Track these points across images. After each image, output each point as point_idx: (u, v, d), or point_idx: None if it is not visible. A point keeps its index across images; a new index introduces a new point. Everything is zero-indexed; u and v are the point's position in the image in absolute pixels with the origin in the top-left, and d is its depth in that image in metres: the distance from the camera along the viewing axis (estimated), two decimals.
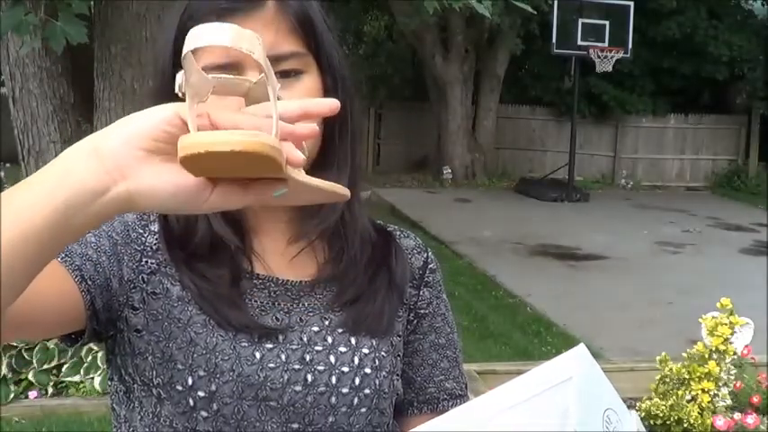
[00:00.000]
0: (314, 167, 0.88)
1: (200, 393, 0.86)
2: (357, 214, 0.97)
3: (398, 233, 1.04)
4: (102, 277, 0.87)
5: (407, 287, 1.00)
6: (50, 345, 4.23)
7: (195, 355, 0.87)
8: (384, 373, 0.93)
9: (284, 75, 0.86)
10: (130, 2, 4.39)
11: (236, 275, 0.91)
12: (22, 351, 4.19)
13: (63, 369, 4.16)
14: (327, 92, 0.90)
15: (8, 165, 9.41)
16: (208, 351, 0.87)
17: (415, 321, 1.01)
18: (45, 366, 4.14)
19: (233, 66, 0.83)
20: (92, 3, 4.37)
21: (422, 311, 1.02)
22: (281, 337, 0.90)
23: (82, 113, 5.16)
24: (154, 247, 0.91)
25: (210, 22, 0.80)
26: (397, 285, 0.98)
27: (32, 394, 4.10)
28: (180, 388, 0.86)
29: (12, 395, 4.09)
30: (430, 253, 1.06)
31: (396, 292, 0.97)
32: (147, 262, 0.91)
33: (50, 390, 4.12)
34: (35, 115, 5.15)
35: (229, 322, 0.88)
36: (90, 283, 0.86)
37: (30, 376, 4.14)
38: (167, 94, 0.85)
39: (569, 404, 0.73)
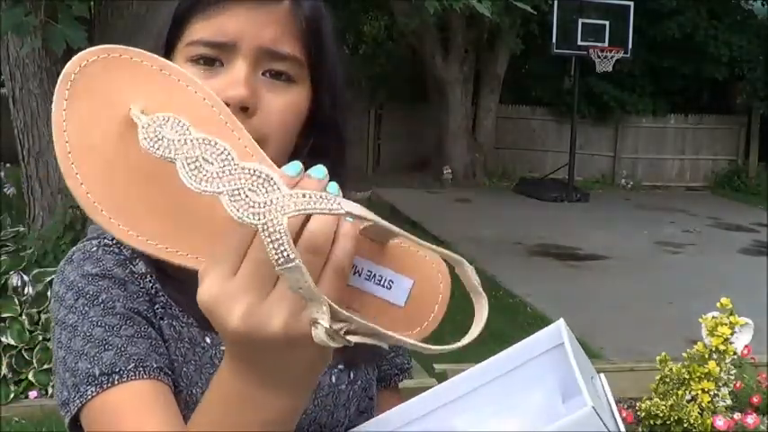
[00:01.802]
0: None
1: None
2: None
3: None
4: (168, 360, 0.83)
5: None
6: (50, 345, 4.22)
7: (207, 375, 0.84)
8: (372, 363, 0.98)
9: (275, 75, 0.83)
10: (130, 2, 4.40)
11: None
12: (22, 351, 4.19)
13: None
14: (319, 108, 0.88)
15: (8, 165, 9.40)
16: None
17: None
18: (45, 366, 4.14)
19: (223, 46, 0.81)
20: (92, 3, 4.37)
21: None
22: None
23: None
24: (152, 291, 0.85)
25: (221, 0, 0.80)
26: None
27: (32, 394, 4.10)
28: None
29: (12, 395, 4.09)
30: None
31: None
32: (156, 309, 0.85)
33: (50, 390, 4.12)
34: (35, 115, 5.15)
35: None
36: (168, 371, 0.82)
37: (30, 376, 4.14)
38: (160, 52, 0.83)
39: (559, 368, 0.75)
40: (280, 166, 0.63)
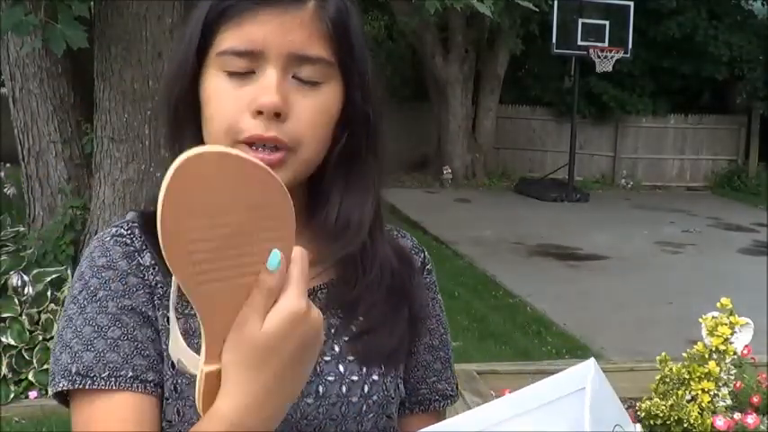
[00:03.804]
0: (338, 185, 0.89)
1: None
2: (378, 240, 0.93)
3: (395, 233, 1.02)
4: (155, 358, 0.86)
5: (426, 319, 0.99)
6: (50, 345, 4.23)
7: None
8: (390, 377, 0.93)
9: (303, 81, 0.84)
10: (130, 2, 4.39)
11: None
12: (22, 351, 4.19)
13: None
14: (352, 105, 0.88)
15: (8, 165, 9.40)
16: None
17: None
18: (45, 366, 4.14)
19: (252, 54, 0.82)
20: (92, 3, 4.37)
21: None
22: None
23: (82, 113, 5.16)
24: (153, 283, 0.88)
25: (245, 7, 0.82)
26: (416, 315, 0.96)
27: (32, 394, 4.10)
28: (193, 420, 0.82)
29: (12, 395, 4.09)
30: (426, 253, 1.04)
31: (415, 327, 0.96)
32: (154, 299, 0.87)
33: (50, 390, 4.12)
34: (35, 115, 5.15)
35: None
36: (155, 378, 0.85)
37: (30, 376, 4.14)
38: (186, 78, 0.86)
39: (581, 414, 0.73)
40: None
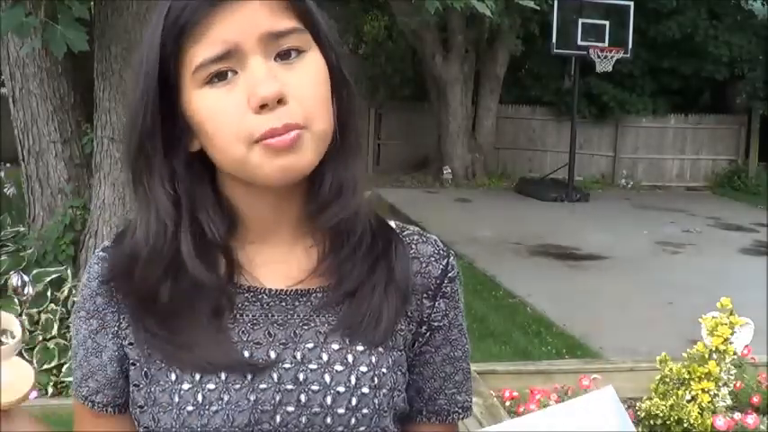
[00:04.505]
0: (330, 152, 0.86)
1: (190, 431, 0.84)
2: (361, 201, 0.90)
3: (416, 237, 0.96)
4: (111, 377, 0.93)
5: (411, 291, 0.92)
6: (50, 345, 4.23)
7: (182, 392, 0.85)
8: (384, 391, 0.88)
9: (284, 56, 0.82)
10: (130, 2, 4.39)
11: (216, 310, 0.87)
12: (22, 351, 4.19)
13: (63, 369, 4.16)
14: (332, 69, 0.86)
15: (8, 165, 9.40)
16: (194, 385, 0.85)
17: (428, 334, 0.94)
18: (45, 366, 4.14)
19: (229, 54, 0.80)
20: (92, 3, 4.37)
21: (436, 324, 0.94)
22: (273, 355, 0.87)
23: (82, 113, 5.16)
24: (124, 302, 0.91)
25: (201, 13, 0.80)
26: (398, 287, 0.90)
27: (32, 394, 4.10)
28: (169, 425, 0.85)
29: None
30: (451, 259, 0.97)
31: (397, 295, 0.90)
32: (122, 319, 0.90)
33: (50, 390, 4.12)
34: (35, 115, 5.15)
35: (214, 363, 0.85)
36: (120, 399, 0.93)
37: None
38: (152, 93, 0.83)
39: None
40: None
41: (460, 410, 0.98)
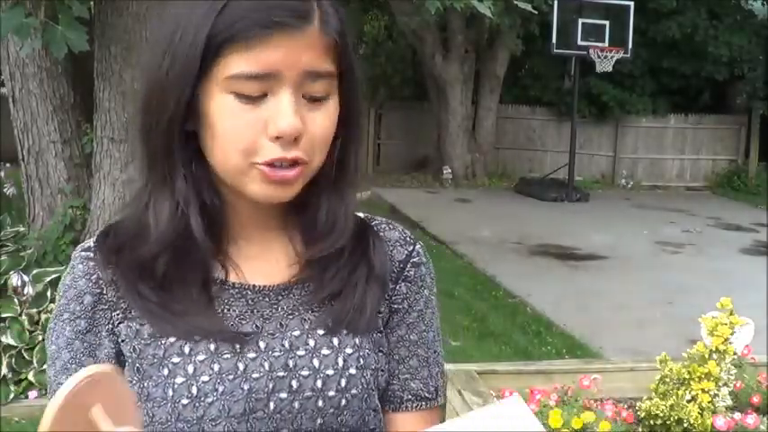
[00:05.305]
0: (327, 188, 0.91)
1: (186, 423, 0.86)
2: (351, 226, 0.95)
3: (384, 225, 1.01)
4: None
5: (389, 278, 0.97)
6: None
7: (176, 386, 0.87)
8: (370, 371, 0.92)
9: (315, 100, 0.85)
10: (130, 2, 4.39)
11: (206, 283, 0.90)
12: (22, 351, 4.19)
13: None
14: (349, 112, 0.90)
15: (8, 165, 9.40)
16: (188, 378, 0.87)
17: (388, 316, 0.97)
18: (45, 366, 4.14)
19: (267, 77, 0.82)
20: (92, 3, 4.37)
21: (395, 306, 0.97)
22: (262, 345, 0.90)
23: (82, 113, 5.16)
24: (114, 298, 0.91)
25: (257, 32, 0.80)
26: (377, 277, 0.94)
27: (32, 394, 4.10)
28: (164, 419, 0.87)
29: (12, 395, 4.10)
30: (418, 247, 1.01)
31: (377, 284, 0.94)
32: (114, 315, 0.91)
33: None
34: (35, 115, 5.15)
35: (204, 330, 0.88)
36: None
37: (30, 376, 4.14)
38: (184, 100, 0.83)
39: None
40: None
41: (413, 399, 0.98)
